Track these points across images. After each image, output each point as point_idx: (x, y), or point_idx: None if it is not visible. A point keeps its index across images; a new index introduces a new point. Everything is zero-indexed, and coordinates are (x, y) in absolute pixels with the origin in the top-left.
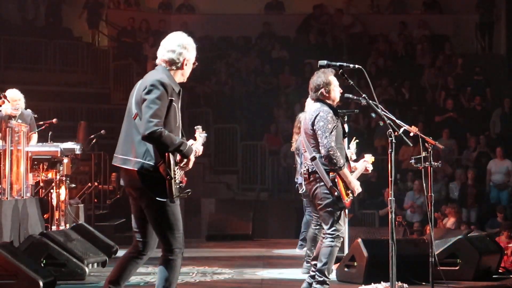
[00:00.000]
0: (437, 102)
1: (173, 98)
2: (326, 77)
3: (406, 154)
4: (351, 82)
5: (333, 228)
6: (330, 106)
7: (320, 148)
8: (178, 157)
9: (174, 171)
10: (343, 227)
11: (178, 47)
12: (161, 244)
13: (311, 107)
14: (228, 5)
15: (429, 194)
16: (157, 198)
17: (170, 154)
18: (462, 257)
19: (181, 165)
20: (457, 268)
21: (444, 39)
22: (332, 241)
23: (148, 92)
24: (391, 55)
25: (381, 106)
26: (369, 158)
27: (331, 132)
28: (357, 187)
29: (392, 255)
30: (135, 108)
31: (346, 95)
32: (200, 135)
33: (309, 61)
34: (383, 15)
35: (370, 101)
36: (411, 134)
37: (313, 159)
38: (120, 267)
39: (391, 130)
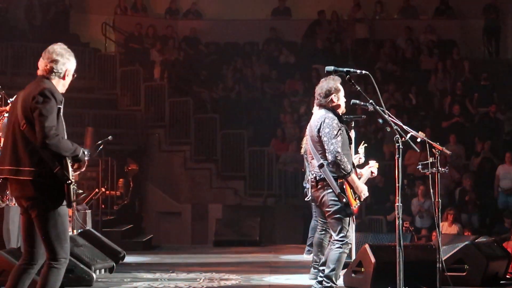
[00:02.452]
0: (444, 108)
1: (60, 107)
2: (336, 84)
3: (412, 159)
4: (358, 88)
5: (342, 235)
6: (334, 113)
7: (326, 154)
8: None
9: (71, 175)
10: (352, 233)
11: (61, 58)
12: (47, 253)
13: (316, 114)
14: (235, 10)
15: (436, 200)
16: (49, 207)
17: (66, 159)
18: (470, 262)
19: (74, 168)
20: (464, 274)
21: (451, 44)
22: (340, 248)
23: (39, 102)
24: (398, 60)
25: (388, 112)
26: (373, 164)
27: (337, 138)
28: (365, 192)
29: (400, 261)
30: (23, 118)
31: (353, 101)
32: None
33: (316, 67)
34: (390, 21)
35: (377, 107)
36: (418, 140)
37: (320, 166)
38: (13, 280)
39: (398, 136)
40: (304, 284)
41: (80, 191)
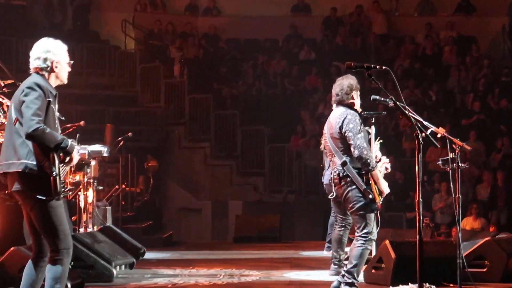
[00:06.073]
0: (465, 104)
1: (51, 100)
2: (355, 82)
3: (433, 155)
4: (379, 84)
5: (366, 231)
6: (354, 110)
7: (352, 149)
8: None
9: (59, 168)
10: (376, 229)
11: (42, 53)
12: (49, 246)
13: (336, 111)
14: (254, 7)
15: (457, 195)
16: (40, 200)
17: (54, 152)
18: (490, 259)
19: (66, 161)
20: (485, 270)
21: (471, 40)
22: (363, 244)
23: (26, 94)
24: (418, 57)
25: (408, 108)
26: (385, 160)
27: (361, 133)
28: (386, 189)
29: (420, 256)
30: (15, 114)
31: (373, 96)
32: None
33: (336, 63)
34: (410, 17)
35: (398, 103)
36: (439, 136)
37: (343, 164)
38: (27, 276)
39: (419, 132)
40: (325, 280)
41: (100, 187)
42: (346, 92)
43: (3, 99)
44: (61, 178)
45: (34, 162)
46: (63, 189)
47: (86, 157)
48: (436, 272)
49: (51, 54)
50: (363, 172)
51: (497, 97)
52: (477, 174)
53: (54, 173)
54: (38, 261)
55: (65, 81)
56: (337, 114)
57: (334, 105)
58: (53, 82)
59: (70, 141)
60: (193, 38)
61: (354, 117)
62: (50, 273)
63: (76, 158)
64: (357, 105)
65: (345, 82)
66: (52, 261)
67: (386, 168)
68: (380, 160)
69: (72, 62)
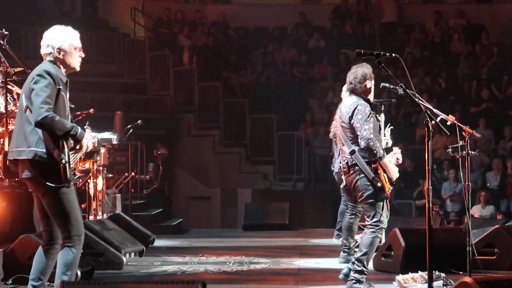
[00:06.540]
0: (474, 92)
1: (61, 87)
2: (370, 70)
3: (439, 143)
4: (389, 71)
5: (375, 220)
6: (365, 99)
7: (359, 140)
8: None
9: (68, 156)
10: (386, 218)
11: (47, 40)
12: (60, 232)
13: (347, 100)
14: None
15: (466, 183)
16: (51, 186)
17: (64, 139)
18: (500, 246)
19: (76, 149)
20: (494, 257)
21: (480, 28)
22: (373, 232)
23: (36, 82)
24: (427, 44)
25: (418, 96)
26: (397, 151)
27: (369, 124)
28: (396, 174)
29: (430, 244)
30: (25, 101)
31: (383, 84)
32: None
33: (344, 51)
34: (420, 5)
35: (408, 90)
36: (448, 123)
37: (352, 152)
38: (37, 263)
39: (428, 119)
40: (334, 267)
41: (110, 175)
42: (360, 81)
43: (12, 86)
44: (72, 166)
45: (44, 150)
46: (73, 177)
47: (96, 145)
48: (445, 259)
49: (52, 40)
50: (372, 160)
51: (506, 85)
52: (486, 162)
53: (63, 160)
54: (49, 248)
55: (77, 68)
56: (349, 104)
57: (347, 93)
58: (62, 68)
59: (80, 128)
60: (202, 26)
61: (364, 108)
62: (62, 259)
63: (86, 145)
64: (372, 94)
65: (359, 71)
66: (64, 247)
67: (397, 159)
68: (391, 147)
69: (78, 49)
